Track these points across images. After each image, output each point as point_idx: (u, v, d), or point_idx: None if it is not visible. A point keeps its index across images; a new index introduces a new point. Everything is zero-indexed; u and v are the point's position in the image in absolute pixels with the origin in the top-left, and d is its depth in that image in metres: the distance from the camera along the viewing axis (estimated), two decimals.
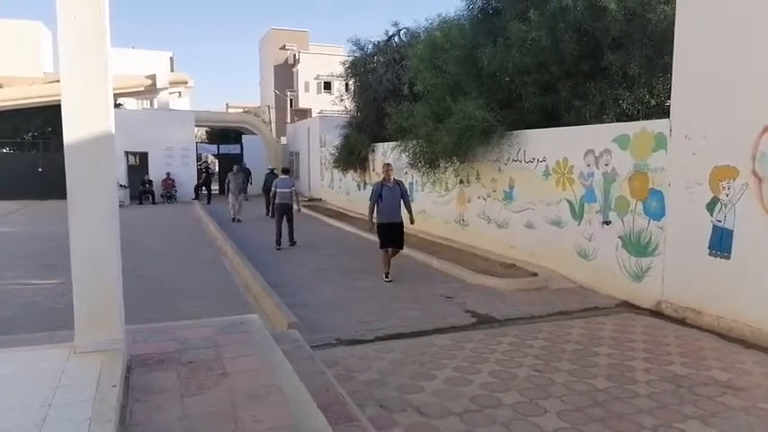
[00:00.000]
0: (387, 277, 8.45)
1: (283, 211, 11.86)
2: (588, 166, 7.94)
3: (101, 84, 3.68)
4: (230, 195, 16.74)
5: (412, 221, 8.96)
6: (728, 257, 5.91)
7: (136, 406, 3.20)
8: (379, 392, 4.35)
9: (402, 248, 8.94)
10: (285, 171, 13.36)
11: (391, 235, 8.61)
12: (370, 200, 8.89)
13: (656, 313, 6.63)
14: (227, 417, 3.08)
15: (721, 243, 5.99)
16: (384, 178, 8.81)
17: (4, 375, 3.37)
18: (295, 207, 12.12)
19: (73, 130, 3.63)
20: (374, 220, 8.80)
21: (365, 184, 17.50)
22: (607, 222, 7.60)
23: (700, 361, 5.04)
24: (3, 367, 3.49)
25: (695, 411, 4.00)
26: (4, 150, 24.86)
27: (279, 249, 11.60)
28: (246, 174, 18.44)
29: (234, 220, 16.47)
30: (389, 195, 8.64)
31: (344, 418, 3.53)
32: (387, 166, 8.99)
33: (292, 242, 12.07)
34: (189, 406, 3.22)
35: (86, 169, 3.64)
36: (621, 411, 4.02)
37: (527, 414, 3.97)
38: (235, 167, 17.42)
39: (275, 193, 11.95)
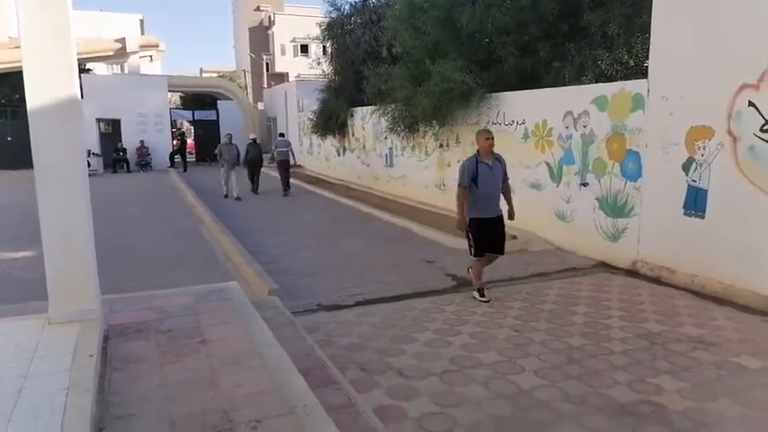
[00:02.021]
0: (483, 296, 5.77)
1: (284, 166, 15.06)
2: (567, 128, 7.93)
3: (63, 45, 3.52)
4: (222, 169, 14.76)
5: (512, 216, 6.00)
6: (703, 217, 6.01)
7: (114, 375, 3.18)
8: (359, 356, 4.38)
9: (503, 253, 5.98)
10: (281, 135, 17.20)
11: (493, 236, 5.79)
12: (459, 184, 5.77)
13: (632, 273, 6.76)
14: (206, 383, 3.08)
15: (696, 202, 6.07)
16: (479, 151, 5.78)
17: None
18: (292, 160, 15.55)
19: (36, 96, 3.50)
20: (466, 216, 5.79)
21: (344, 149, 17.34)
22: (585, 184, 7.65)
23: (673, 318, 5.16)
24: None
25: (668, 367, 4.11)
26: None
27: (286, 195, 14.79)
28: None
29: (227, 196, 14.65)
30: (489, 177, 5.68)
31: (325, 381, 3.56)
32: (485, 134, 5.81)
33: (287, 190, 15.01)
34: (168, 374, 3.21)
35: (52, 136, 3.52)
36: (597, 368, 4.12)
37: (505, 373, 4.05)
38: (226, 136, 15.23)
39: (276, 152, 15.24)
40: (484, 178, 5.67)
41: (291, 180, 15.61)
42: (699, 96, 5.99)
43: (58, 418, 2.46)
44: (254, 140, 15.96)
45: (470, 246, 5.88)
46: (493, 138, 5.81)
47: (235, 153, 14.67)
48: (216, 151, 15.02)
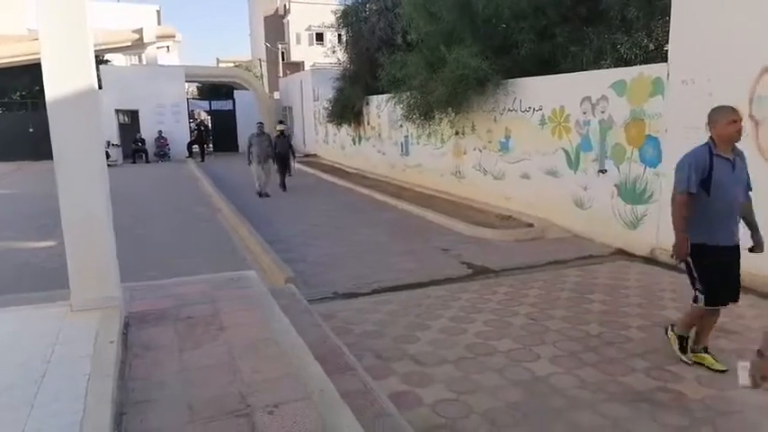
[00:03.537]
0: (706, 360, 3.92)
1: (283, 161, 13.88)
2: (585, 113, 7.83)
3: (80, 37, 3.56)
4: (254, 164, 12.92)
5: (759, 246, 3.99)
6: None
7: (135, 361, 3.25)
8: (375, 343, 4.41)
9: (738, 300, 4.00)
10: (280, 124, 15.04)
11: (733, 275, 3.94)
12: (678, 188, 3.72)
13: (651, 260, 6.68)
14: (225, 369, 3.13)
15: None
16: (714, 140, 3.75)
17: (3, 334, 3.40)
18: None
19: (54, 87, 3.54)
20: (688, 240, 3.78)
21: (360, 138, 17.33)
22: (603, 171, 7.56)
23: None
24: (2, 326, 3.52)
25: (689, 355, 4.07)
26: None
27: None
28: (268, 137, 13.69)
29: (260, 194, 12.86)
30: (730, 181, 3.73)
31: (341, 368, 3.59)
32: (730, 115, 3.68)
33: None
34: (187, 360, 3.26)
35: (71, 127, 3.57)
36: (614, 356, 4.10)
37: (521, 360, 4.04)
38: (258, 126, 13.48)
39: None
40: (722, 181, 3.66)
41: (307, 169, 15.24)
42: (720, 80, 5.86)
43: (80, 403, 2.52)
44: (282, 132, 14.29)
45: (697, 288, 3.85)
46: (741, 120, 3.71)
47: (266, 145, 13.00)
48: (247, 144, 13.31)
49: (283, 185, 13.86)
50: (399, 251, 7.55)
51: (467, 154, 10.99)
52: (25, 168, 20.06)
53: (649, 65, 7.06)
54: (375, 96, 15.50)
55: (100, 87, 4.09)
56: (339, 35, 18.55)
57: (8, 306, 3.98)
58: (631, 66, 7.55)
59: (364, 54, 16.04)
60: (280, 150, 13.72)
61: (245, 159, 13.58)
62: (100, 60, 25.19)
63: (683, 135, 6.29)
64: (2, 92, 23.75)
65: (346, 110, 17.03)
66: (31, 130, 22.13)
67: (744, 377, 2.39)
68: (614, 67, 8.00)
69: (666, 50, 6.73)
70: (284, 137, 14.15)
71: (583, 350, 4.20)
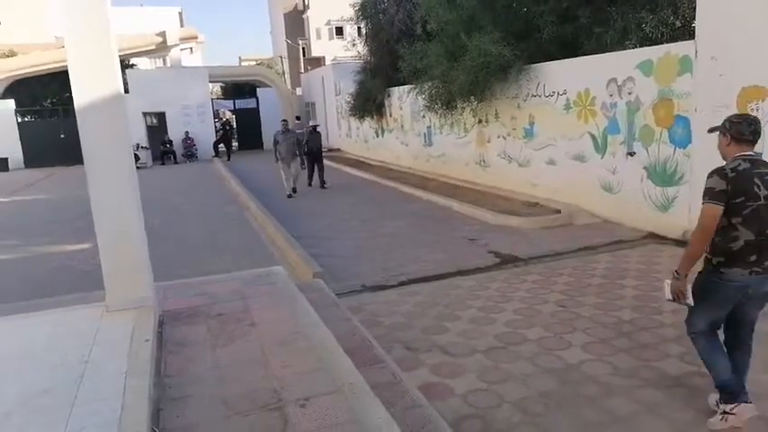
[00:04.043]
0: None
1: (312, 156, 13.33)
2: (611, 96, 7.67)
3: (104, 43, 3.64)
4: (281, 162, 12.43)
5: None
6: None
7: (169, 358, 3.33)
8: (404, 335, 4.42)
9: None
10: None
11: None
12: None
13: (683, 243, 6.51)
14: (256, 364, 3.18)
15: None
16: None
17: (42, 336, 3.52)
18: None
19: (82, 94, 3.63)
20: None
21: (383, 131, 17.31)
22: (631, 153, 7.40)
23: None
24: (40, 329, 3.64)
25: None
26: (26, 119, 25.16)
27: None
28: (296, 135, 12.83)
29: (290, 195, 12.33)
30: None
31: (371, 360, 3.61)
32: None
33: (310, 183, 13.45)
34: (220, 356, 3.33)
35: (99, 131, 3.66)
36: (647, 341, 4.03)
37: (552, 348, 4.01)
38: (282, 124, 12.87)
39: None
40: None
41: (330, 164, 14.56)
42: (750, 55, 5.67)
43: (119, 400, 2.60)
44: (315, 128, 13.75)
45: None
46: None
47: (292, 142, 12.34)
48: (273, 142, 12.75)
49: (322, 183, 13.29)
50: (426, 242, 7.54)
51: (491, 142, 10.88)
52: (58, 174, 20.61)
53: (676, 43, 6.87)
54: (396, 88, 15.45)
55: (126, 91, 4.17)
56: (358, 28, 18.52)
57: (46, 309, 4.11)
58: (658, 45, 7.35)
59: (384, 46, 15.98)
60: (312, 146, 13.16)
61: (270, 157, 13.56)
62: (125, 65, 25.65)
63: (714, 113, 6.12)
64: (33, 99, 24.40)
65: (368, 103, 17.02)
66: (62, 136, 22.69)
67: (668, 292, 3.05)
68: (640, 46, 7.81)
69: (694, 27, 6.54)
70: (316, 132, 13.57)
71: (615, 336, 4.15)
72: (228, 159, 23.13)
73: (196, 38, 29.95)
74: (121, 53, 20.96)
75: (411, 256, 6.86)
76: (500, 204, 9.32)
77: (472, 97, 10.36)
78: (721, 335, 3.15)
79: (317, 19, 44.23)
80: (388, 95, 16.24)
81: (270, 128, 23.97)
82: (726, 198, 2.75)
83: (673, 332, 4.14)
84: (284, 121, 13.38)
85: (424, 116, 13.48)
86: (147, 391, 2.70)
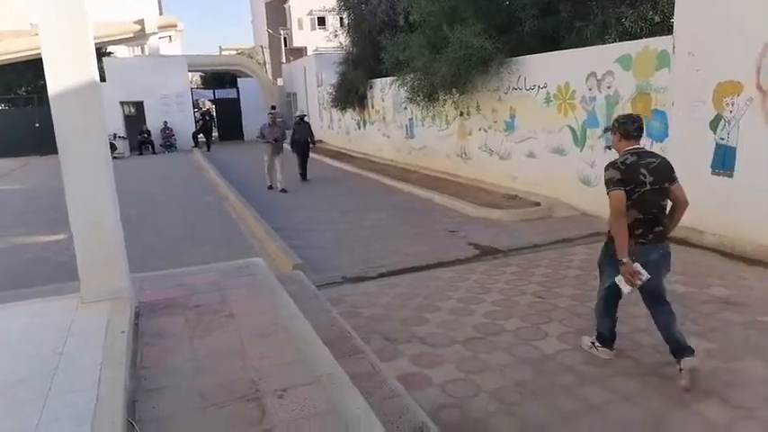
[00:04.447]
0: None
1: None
2: (590, 89, 7.75)
3: (80, 30, 3.57)
4: (266, 155, 12.01)
5: None
6: (731, 175, 5.85)
7: (146, 350, 3.30)
8: (384, 326, 4.44)
9: None
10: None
11: None
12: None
13: None
14: (234, 355, 3.17)
15: (724, 161, 5.91)
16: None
17: (17, 327, 3.46)
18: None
19: (56, 82, 3.56)
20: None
21: (365, 122, 17.27)
22: (609, 147, 7.47)
23: (701, 279, 5.09)
24: (14, 320, 3.58)
25: (695, 328, 4.07)
26: (0, 107, 24.58)
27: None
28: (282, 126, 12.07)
29: (271, 187, 11.93)
30: None
31: (350, 351, 3.62)
32: None
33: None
34: (197, 347, 3.31)
35: (74, 121, 3.59)
36: (621, 331, 4.08)
37: (529, 339, 4.06)
38: (270, 116, 12.16)
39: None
40: None
41: (312, 155, 13.84)
42: (727, 51, 5.77)
43: (94, 392, 2.57)
44: (302, 118, 13.14)
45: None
46: None
47: (280, 135, 11.83)
48: (257, 135, 12.20)
49: (304, 176, 12.90)
50: (407, 234, 7.56)
51: (472, 135, 10.93)
52: (33, 164, 20.20)
53: (655, 38, 6.96)
54: (379, 80, 15.41)
55: (103, 80, 4.10)
56: (341, 18, 18.39)
57: (20, 300, 4.04)
58: (637, 39, 7.44)
59: (366, 37, 15.90)
60: (299, 138, 12.69)
61: (251, 148, 13.31)
62: (102, 53, 25.16)
63: (690, 108, 6.23)
64: (7, 88, 23.81)
65: (350, 94, 16.94)
66: (36, 125, 22.21)
67: (624, 287, 3.35)
68: (619, 41, 7.89)
69: (672, 23, 6.63)
70: (304, 122, 13.03)
71: (591, 327, 4.20)
72: (208, 150, 22.87)
73: (175, 26, 29.39)
74: (98, 41, 20.54)
75: (391, 248, 6.88)
76: (481, 197, 9.38)
77: (454, 89, 10.38)
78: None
79: (298, 9, 43.85)
80: (371, 87, 16.19)
81: (251, 118, 23.78)
82: (622, 185, 3.28)
83: (645, 322, 4.21)
84: (272, 112, 12.63)
85: (405, 108, 13.48)
86: (122, 382, 2.68)
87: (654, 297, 3.47)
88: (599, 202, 7.69)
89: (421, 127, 13.15)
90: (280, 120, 12.74)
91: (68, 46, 3.54)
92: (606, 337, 3.73)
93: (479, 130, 10.63)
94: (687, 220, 6.30)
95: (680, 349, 3.31)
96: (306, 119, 13.42)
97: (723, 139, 5.89)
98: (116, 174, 3.99)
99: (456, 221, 8.12)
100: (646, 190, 3.29)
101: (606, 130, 3.75)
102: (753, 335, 3.94)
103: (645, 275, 3.26)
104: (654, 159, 3.38)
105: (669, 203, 3.47)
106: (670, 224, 3.49)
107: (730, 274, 5.21)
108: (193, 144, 23.89)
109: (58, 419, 2.39)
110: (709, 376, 3.39)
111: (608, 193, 3.35)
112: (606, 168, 3.42)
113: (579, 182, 8.09)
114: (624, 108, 7.16)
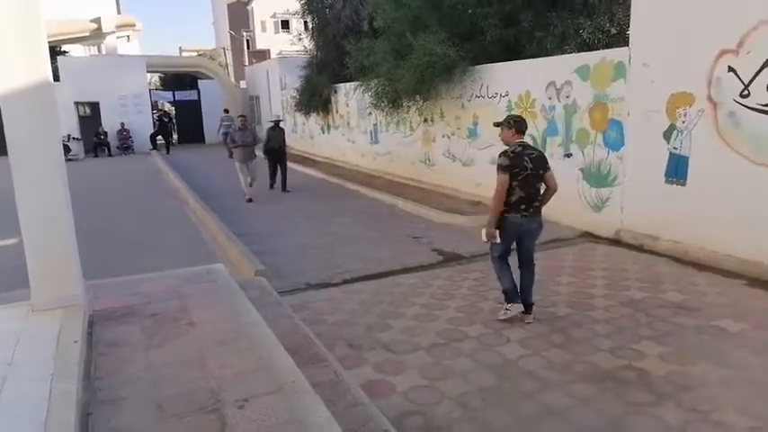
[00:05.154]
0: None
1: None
2: (550, 98, 7.91)
3: (32, 28, 3.44)
4: (237, 163, 11.19)
5: None
6: (684, 184, 6.06)
7: (100, 360, 3.18)
8: (347, 332, 4.41)
9: None
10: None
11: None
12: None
13: (616, 241, 6.83)
14: (193, 364, 3.09)
15: (677, 170, 6.12)
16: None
17: None
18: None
19: (6, 80, 3.42)
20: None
21: (329, 127, 17.19)
22: (568, 155, 7.67)
23: (656, 285, 5.24)
24: None
25: (650, 333, 4.19)
26: None
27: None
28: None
29: (251, 200, 10.99)
30: None
31: (313, 359, 3.58)
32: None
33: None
34: (154, 357, 3.21)
35: (25, 120, 3.45)
36: (580, 336, 4.19)
37: (491, 344, 4.10)
38: (241, 120, 11.57)
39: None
40: None
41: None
42: (679, 63, 5.99)
43: (44, 404, 2.46)
44: (277, 123, 12.32)
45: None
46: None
47: (251, 141, 11.17)
48: (227, 140, 11.48)
49: (283, 185, 12.04)
50: (371, 240, 7.55)
51: (436, 141, 11.01)
52: None
53: (611, 49, 7.16)
54: (343, 84, 15.37)
55: (57, 79, 3.94)
56: (305, 22, 18.27)
57: None
58: (594, 50, 7.65)
59: (331, 41, 15.86)
60: (273, 145, 11.90)
61: (212, 151, 12.99)
62: (57, 51, 24.33)
63: (645, 118, 6.43)
64: None
65: (314, 98, 16.84)
66: None
67: (484, 236, 4.43)
68: (578, 51, 8.09)
69: (628, 34, 6.84)
70: (279, 128, 12.21)
71: (551, 332, 4.29)
72: (167, 152, 22.35)
73: (134, 25, 28.77)
74: (52, 39, 19.85)
75: (356, 254, 6.85)
76: (444, 203, 9.45)
77: (418, 96, 10.44)
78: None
79: (262, 11, 43.42)
80: (335, 91, 16.15)
81: (212, 121, 23.32)
82: (509, 170, 4.23)
83: (605, 328, 4.32)
84: (242, 116, 12.05)
85: (370, 113, 13.48)
86: (75, 394, 2.57)
87: (527, 258, 4.54)
88: (558, 209, 7.84)
89: (385, 133, 13.18)
90: (226, 123, 11.92)
91: (20, 44, 3.40)
92: (511, 293, 4.49)
93: (443, 136, 10.72)
94: (643, 226, 6.52)
95: (528, 305, 4.49)
96: (281, 124, 12.62)
97: (676, 148, 6.10)
98: (70, 176, 3.85)
99: (420, 227, 8.16)
100: (528, 174, 4.27)
101: (498, 124, 4.58)
102: (706, 339, 4.07)
103: (497, 240, 4.36)
104: (533, 152, 4.39)
105: (543, 187, 4.46)
106: (543, 202, 4.50)
107: (683, 279, 5.39)
108: (152, 146, 23.31)
109: None
110: (664, 380, 3.49)
111: (498, 175, 4.28)
112: (499, 156, 4.34)
113: None
114: (582, 117, 7.34)
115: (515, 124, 4.45)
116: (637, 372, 3.62)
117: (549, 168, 4.43)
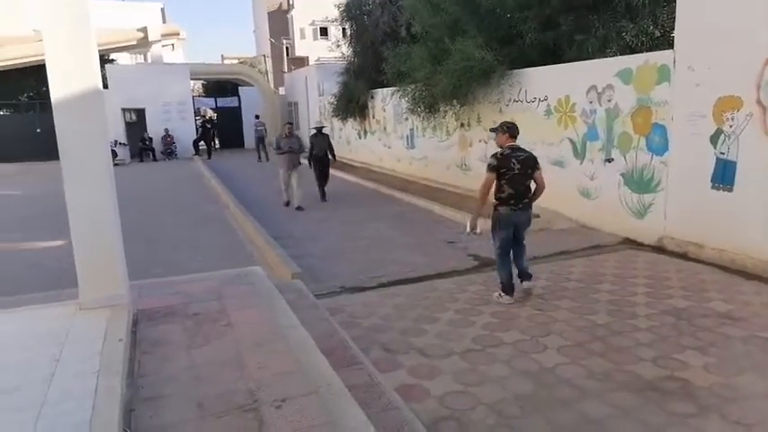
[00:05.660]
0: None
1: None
2: (590, 102, 7.77)
3: (84, 37, 3.58)
4: (281, 171, 10.95)
5: None
6: (731, 190, 5.86)
7: (144, 358, 3.28)
8: (382, 337, 4.42)
9: None
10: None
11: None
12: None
13: (659, 249, 6.65)
14: (233, 364, 3.15)
15: (724, 176, 5.92)
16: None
17: (13, 334, 3.45)
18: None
19: (59, 88, 3.57)
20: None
21: (366, 132, 17.31)
22: (609, 160, 7.51)
23: (700, 293, 5.08)
24: (11, 326, 3.57)
25: (694, 342, 4.06)
26: (2, 113, 24.60)
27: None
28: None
29: (288, 203, 10.98)
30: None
31: (348, 361, 3.61)
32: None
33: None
34: (195, 356, 3.29)
35: (76, 127, 3.60)
36: (621, 345, 4.09)
37: (528, 351, 4.05)
38: (287, 127, 11.33)
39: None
40: None
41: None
42: (727, 66, 5.80)
43: (90, 400, 2.55)
44: (320, 129, 11.84)
45: None
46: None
47: (296, 147, 10.85)
48: (273, 146, 11.41)
49: (322, 195, 11.64)
50: (406, 244, 7.55)
51: (472, 146, 10.95)
52: (34, 169, 20.19)
53: (655, 52, 6.99)
54: (380, 90, 15.46)
55: (105, 87, 4.11)
56: (343, 29, 18.46)
57: (18, 306, 4.03)
58: (637, 53, 7.48)
59: (368, 48, 15.98)
60: (317, 152, 11.49)
61: (252, 156, 13.11)
62: (105, 60, 25.24)
63: (690, 122, 6.25)
64: (10, 93, 23.86)
65: (351, 104, 16.99)
66: (38, 130, 22.26)
67: (468, 227, 5.10)
68: (620, 54, 7.93)
69: (672, 37, 6.67)
70: (322, 135, 11.74)
71: (590, 340, 4.20)
72: (209, 158, 22.90)
73: (178, 34, 29.61)
74: (101, 48, 20.61)
75: (391, 258, 6.87)
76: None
77: (455, 101, 10.41)
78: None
79: (301, 19, 44.05)
80: (372, 97, 16.25)
81: (251, 126, 23.75)
82: (497, 170, 4.86)
83: (647, 336, 4.21)
84: (289, 123, 11.86)
85: (406, 119, 13.51)
86: (119, 391, 2.66)
87: (517, 240, 5.14)
88: (598, 215, 7.73)
89: (422, 138, 13.18)
90: (260, 128, 11.57)
91: (71, 52, 3.55)
92: (507, 287, 5.07)
93: (480, 141, 10.65)
94: (688, 233, 6.33)
95: (524, 275, 5.17)
96: (324, 130, 12.13)
97: (723, 153, 5.91)
98: (116, 181, 3.99)
99: (455, 232, 8.11)
100: (515, 174, 4.85)
101: (494, 130, 5.17)
102: (752, 350, 3.92)
103: (478, 233, 5.07)
104: (522, 153, 4.92)
105: (533, 185, 5.00)
106: (533, 199, 5.07)
107: (729, 288, 5.20)
108: (194, 152, 23.92)
109: (53, 428, 2.37)
110: (708, 392, 3.38)
111: (485, 173, 4.96)
112: (491, 157, 4.96)
113: (578, 194, 8.09)
114: (624, 122, 7.19)
115: (508, 129, 5.03)
116: (680, 382, 3.51)
117: (538, 168, 4.96)
